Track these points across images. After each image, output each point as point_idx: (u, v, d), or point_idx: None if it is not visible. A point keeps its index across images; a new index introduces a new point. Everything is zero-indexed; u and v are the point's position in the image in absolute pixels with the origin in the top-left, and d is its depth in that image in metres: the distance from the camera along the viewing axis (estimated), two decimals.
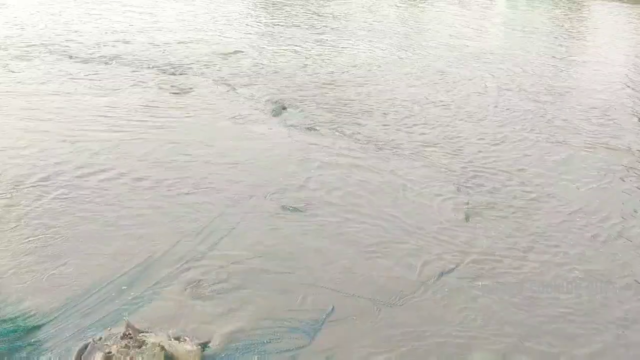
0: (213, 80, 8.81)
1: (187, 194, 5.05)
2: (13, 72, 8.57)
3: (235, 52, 10.65)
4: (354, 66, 10.36)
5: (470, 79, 10.08)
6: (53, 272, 3.77)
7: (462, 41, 13.34)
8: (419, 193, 5.39)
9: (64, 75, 8.38)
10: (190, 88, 8.22)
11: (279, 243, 4.39)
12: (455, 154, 6.63)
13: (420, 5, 18.41)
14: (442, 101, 8.74)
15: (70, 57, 9.46)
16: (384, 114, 7.95)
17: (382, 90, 9.09)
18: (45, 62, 9.17)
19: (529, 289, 4.13)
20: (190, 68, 9.33)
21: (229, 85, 8.57)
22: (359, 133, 7.03)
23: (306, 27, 14.05)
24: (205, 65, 9.61)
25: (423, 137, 7.11)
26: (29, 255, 3.93)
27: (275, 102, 7.85)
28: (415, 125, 7.54)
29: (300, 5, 18.48)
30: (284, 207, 4.87)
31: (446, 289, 4.04)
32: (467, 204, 5.22)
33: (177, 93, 7.97)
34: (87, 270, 3.87)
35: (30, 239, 4.14)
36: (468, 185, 5.63)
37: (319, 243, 4.42)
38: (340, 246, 4.42)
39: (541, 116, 8.29)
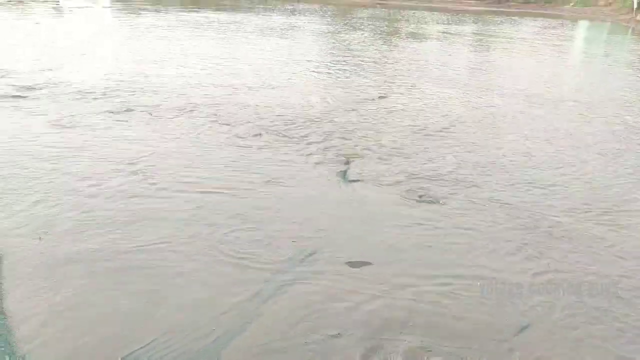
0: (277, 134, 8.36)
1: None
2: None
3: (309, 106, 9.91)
4: (444, 116, 9.76)
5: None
6: None
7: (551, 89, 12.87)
8: None
9: None
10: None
11: None
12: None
13: (492, 48, 18.78)
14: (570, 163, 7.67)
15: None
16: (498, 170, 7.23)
17: (483, 144, 8.33)
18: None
19: None
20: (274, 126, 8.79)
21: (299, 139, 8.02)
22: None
23: (373, 72, 14.13)
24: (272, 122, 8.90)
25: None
26: None
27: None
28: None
29: (366, 48, 18.91)
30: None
31: None
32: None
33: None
34: None
35: None
36: None
37: None
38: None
39: None
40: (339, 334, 3.67)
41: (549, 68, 16.38)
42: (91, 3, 34.34)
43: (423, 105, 10.41)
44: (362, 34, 22.89)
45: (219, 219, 5.16)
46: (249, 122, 8.52)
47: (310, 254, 4.62)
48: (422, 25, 28.58)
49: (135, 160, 6.56)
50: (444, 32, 25.43)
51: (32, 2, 31.26)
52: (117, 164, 6.40)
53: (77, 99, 9.36)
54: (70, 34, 19.05)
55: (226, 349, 3.46)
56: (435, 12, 39.38)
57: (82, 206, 5.26)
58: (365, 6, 42.29)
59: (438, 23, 30.91)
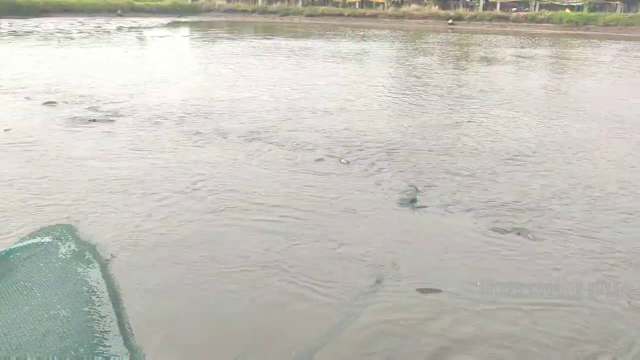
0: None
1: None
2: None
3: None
4: (520, 140, 9.28)
5: None
6: None
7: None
8: None
9: None
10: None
11: None
12: None
13: (569, 71, 18.18)
14: None
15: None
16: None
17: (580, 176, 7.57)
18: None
19: None
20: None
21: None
22: None
23: (445, 96, 14.01)
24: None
25: None
26: None
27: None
28: None
29: (437, 73, 18.83)
30: None
31: None
32: None
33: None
34: None
35: None
36: None
37: None
38: None
39: None
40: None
41: (630, 91, 15.51)
42: (171, 32, 36.22)
43: (498, 130, 10.06)
44: (433, 59, 22.71)
45: (290, 241, 5.17)
46: (321, 146, 8.53)
47: (380, 280, 4.52)
48: (494, 49, 28.00)
49: (204, 184, 6.72)
50: (517, 56, 24.77)
51: (118, 32, 33.37)
52: (192, 184, 6.57)
53: (156, 122, 9.78)
54: (152, 61, 20.11)
55: None
56: (509, 36, 38.54)
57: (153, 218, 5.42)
58: (436, 31, 42.05)
59: (512, 47, 30.17)
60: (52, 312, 3.27)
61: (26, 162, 7.29)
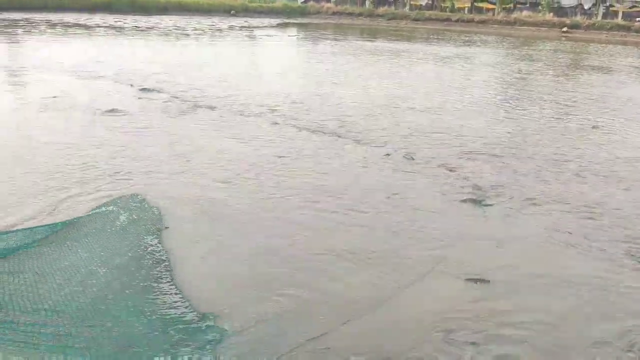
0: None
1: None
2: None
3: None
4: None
5: None
6: None
7: None
8: None
9: None
10: None
11: None
12: None
13: None
14: None
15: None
16: None
17: None
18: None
19: None
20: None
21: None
22: None
23: (548, 104, 13.47)
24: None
25: None
26: None
27: None
28: None
29: (543, 80, 18.22)
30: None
31: None
32: None
33: None
34: None
35: None
36: None
37: None
38: None
39: None
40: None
41: None
42: (279, 32, 37.61)
43: (612, 146, 9.19)
44: (541, 66, 21.77)
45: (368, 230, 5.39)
46: (429, 147, 8.57)
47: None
48: (611, 59, 26.25)
49: (270, 167, 7.08)
50: (637, 67, 23.07)
51: (230, 30, 35.23)
52: (260, 168, 6.97)
53: (241, 112, 10.36)
54: (254, 58, 21.11)
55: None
56: (629, 46, 35.92)
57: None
58: (548, 38, 40.13)
59: (631, 57, 28.13)
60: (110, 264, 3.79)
61: (132, 135, 8.10)
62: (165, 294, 3.71)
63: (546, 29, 47.04)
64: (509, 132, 9.75)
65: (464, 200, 6.21)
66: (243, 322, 3.59)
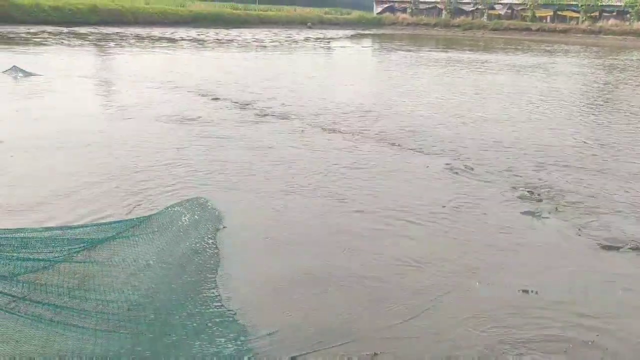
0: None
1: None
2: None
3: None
4: None
5: None
6: None
7: None
8: None
9: None
10: None
11: None
12: None
13: None
14: None
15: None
16: None
17: None
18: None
19: None
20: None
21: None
22: None
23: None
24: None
25: None
26: None
27: None
28: None
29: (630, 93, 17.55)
30: None
31: None
32: None
33: None
34: None
35: None
36: None
37: None
38: None
39: None
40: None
41: None
42: (353, 43, 38.12)
43: None
44: (623, 76, 20.78)
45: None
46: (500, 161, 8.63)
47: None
48: None
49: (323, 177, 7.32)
50: None
51: (305, 42, 36.09)
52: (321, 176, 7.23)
53: (310, 120, 10.72)
54: (324, 69, 21.59)
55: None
56: None
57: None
58: (637, 49, 38.06)
59: None
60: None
61: (200, 139, 8.63)
62: (204, 290, 4.04)
63: (634, 38, 44.65)
64: (584, 143, 9.49)
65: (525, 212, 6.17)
66: (269, 322, 3.79)
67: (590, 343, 3.73)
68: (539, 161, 8.17)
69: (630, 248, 5.24)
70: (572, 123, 11.46)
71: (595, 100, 14.93)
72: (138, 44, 28.70)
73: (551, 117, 11.97)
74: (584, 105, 13.81)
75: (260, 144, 8.75)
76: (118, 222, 4.55)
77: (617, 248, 5.25)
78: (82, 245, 4.01)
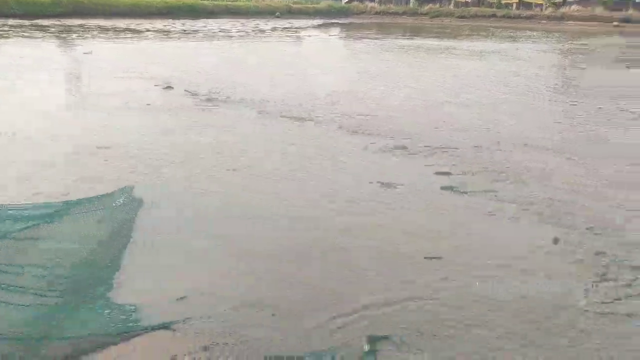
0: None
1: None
2: None
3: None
4: None
5: None
6: None
7: None
8: None
9: None
10: None
11: None
12: None
13: None
14: None
15: None
16: None
17: None
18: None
19: None
20: None
21: None
22: None
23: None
24: None
25: None
26: None
27: None
28: None
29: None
30: None
31: None
32: None
33: None
34: None
35: None
36: None
37: None
38: None
39: None
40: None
41: None
42: (320, 32, 38.24)
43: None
44: (580, 60, 21.40)
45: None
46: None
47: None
48: None
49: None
50: None
51: (272, 32, 36.09)
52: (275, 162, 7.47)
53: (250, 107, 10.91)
54: (288, 58, 21.75)
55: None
56: None
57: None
58: (599, 34, 38.98)
59: None
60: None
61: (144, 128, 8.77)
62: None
63: (597, 23, 45.70)
64: (519, 124, 9.90)
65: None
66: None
67: None
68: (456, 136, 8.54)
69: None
70: (519, 105, 11.89)
71: (546, 82, 15.39)
72: (101, 35, 28.38)
73: (500, 99, 12.38)
74: (536, 88, 14.24)
75: (203, 131, 8.91)
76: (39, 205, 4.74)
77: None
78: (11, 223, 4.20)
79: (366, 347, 3.44)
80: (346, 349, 3.45)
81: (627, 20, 44.50)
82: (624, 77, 16.74)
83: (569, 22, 47.30)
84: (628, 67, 16.77)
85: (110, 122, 9.17)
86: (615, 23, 43.95)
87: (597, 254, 4.78)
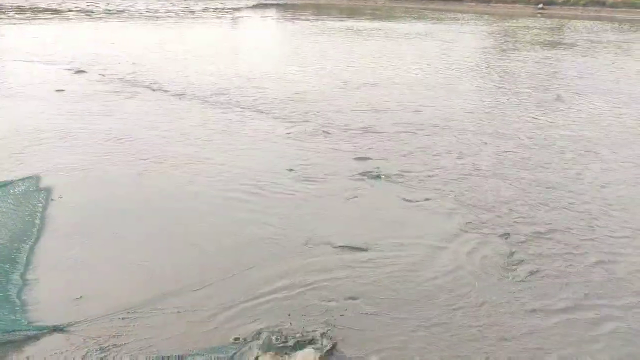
0: None
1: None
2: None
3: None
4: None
5: None
6: None
7: None
8: None
9: None
10: None
11: None
12: None
13: None
14: None
15: None
16: None
17: None
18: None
19: None
20: None
21: None
22: None
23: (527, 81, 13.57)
24: None
25: None
26: None
27: None
28: None
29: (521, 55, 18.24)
30: None
31: None
32: None
33: None
34: None
35: None
36: None
37: None
38: None
39: None
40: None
41: None
42: (254, 13, 37.60)
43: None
44: (502, 41, 22.04)
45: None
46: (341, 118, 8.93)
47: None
48: (590, 35, 26.55)
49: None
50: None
51: (203, 12, 35.13)
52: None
53: (182, 93, 10.62)
54: (218, 40, 21.28)
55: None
56: (603, 22, 36.21)
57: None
58: (523, 16, 40.30)
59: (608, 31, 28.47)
60: None
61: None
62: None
63: (522, 6, 47.19)
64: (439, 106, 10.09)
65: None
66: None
67: None
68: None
69: None
70: (436, 86, 12.11)
71: (465, 61, 15.73)
72: (18, 16, 26.77)
73: (420, 79, 12.58)
74: (455, 69, 14.54)
75: (110, 118, 8.59)
76: None
77: None
78: None
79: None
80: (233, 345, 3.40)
81: (550, 3, 46.13)
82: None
83: (497, 5, 48.57)
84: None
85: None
86: (540, 6, 45.49)
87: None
